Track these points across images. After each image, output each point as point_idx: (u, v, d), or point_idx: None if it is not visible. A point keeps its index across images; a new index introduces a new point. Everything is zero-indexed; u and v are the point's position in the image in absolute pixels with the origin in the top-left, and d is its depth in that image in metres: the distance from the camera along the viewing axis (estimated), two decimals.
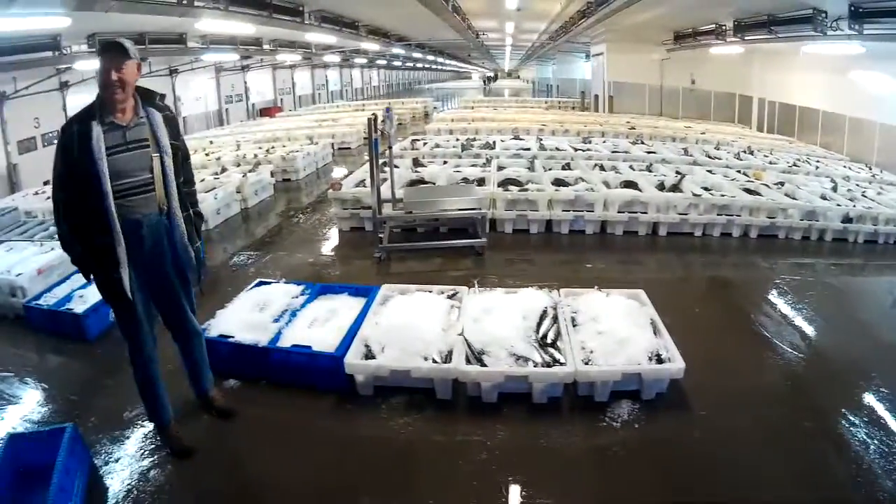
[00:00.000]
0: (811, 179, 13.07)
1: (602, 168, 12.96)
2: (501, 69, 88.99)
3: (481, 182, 11.34)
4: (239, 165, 13.99)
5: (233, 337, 5.38)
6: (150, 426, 4.68)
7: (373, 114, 9.13)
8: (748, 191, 11.12)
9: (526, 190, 10.65)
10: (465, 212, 9.17)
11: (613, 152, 15.30)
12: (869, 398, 5.52)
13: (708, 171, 13.09)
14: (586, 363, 5.26)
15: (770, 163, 14.84)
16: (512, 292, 6.43)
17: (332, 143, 19.11)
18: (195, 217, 4.37)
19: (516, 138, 17.46)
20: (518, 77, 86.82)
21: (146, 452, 4.51)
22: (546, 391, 5.21)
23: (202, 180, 11.74)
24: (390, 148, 10.14)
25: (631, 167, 13.02)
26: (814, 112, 19.83)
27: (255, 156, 15.02)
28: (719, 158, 15.05)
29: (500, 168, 12.53)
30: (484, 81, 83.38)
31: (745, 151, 16.26)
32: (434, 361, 5.12)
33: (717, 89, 25.75)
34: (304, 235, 10.56)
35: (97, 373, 5.73)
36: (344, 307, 6.06)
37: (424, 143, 16.66)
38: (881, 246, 10.70)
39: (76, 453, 4.02)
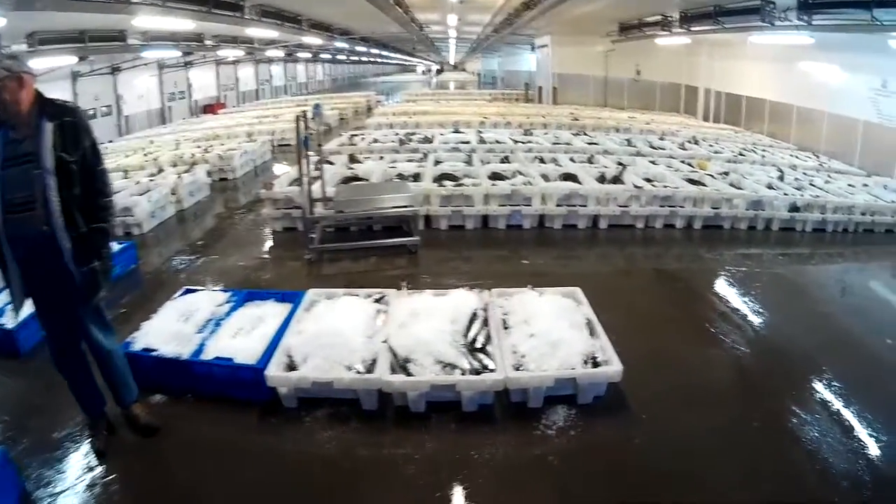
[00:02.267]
0: (757, 169, 13.13)
1: (542, 161, 12.74)
2: (448, 62, 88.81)
3: (417, 178, 11.00)
4: (176, 165, 13.60)
5: (156, 350, 5.19)
6: (84, 447, 4.52)
7: (302, 111, 8.82)
8: (692, 181, 11.01)
9: (461, 185, 10.32)
10: (396, 210, 8.89)
11: (555, 144, 15.17)
12: (820, 393, 5.37)
13: (651, 161, 13.04)
14: (517, 369, 4.97)
15: (715, 152, 14.86)
16: (441, 294, 6.14)
17: (272, 140, 18.76)
18: (94, 234, 4.05)
19: (456, 132, 17.17)
20: (464, 70, 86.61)
21: (79, 475, 4.28)
22: (476, 399, 4.93)
23: (137, 182, 11.40)
24: (320, 146, 9.72)
25: (572, 159, 12.82)
26: (761, 102, 20.06)
27: (193, 155, 14.55)
28: (663, 149, 15.02)
29: (436, 163, 12.24)
30: (425, 73, 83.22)
31: (689, 141, 16.30)
32: (357, 371, 4.88)
33: (662, 80, 25.98)
34: (237, 237, 10.25)
35: (30, 391, 5.44)
36: (270, 314, 5.87)
37: (363, 139, 16.22)
38: (829, 234, 10.74)
39: (6, 478, 3.87)
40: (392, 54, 61.35)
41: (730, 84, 21.77)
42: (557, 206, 9.98)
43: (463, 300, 5.91)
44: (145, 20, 15.88)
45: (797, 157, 15.69)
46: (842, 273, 9.52)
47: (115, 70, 24.91)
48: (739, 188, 10.86)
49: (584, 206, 10.02)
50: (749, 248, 9.83)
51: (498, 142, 15.15)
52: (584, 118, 20.95)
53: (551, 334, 5.24)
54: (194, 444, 4.64)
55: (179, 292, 6.33)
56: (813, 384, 5.51)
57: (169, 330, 5.46)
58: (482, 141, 15.21)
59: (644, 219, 10.20)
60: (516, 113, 22.36)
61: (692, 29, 18.64)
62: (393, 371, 4.85)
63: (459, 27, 36.35)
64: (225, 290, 6.36)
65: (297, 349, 5.10)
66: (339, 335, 5.16)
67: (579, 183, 10.46)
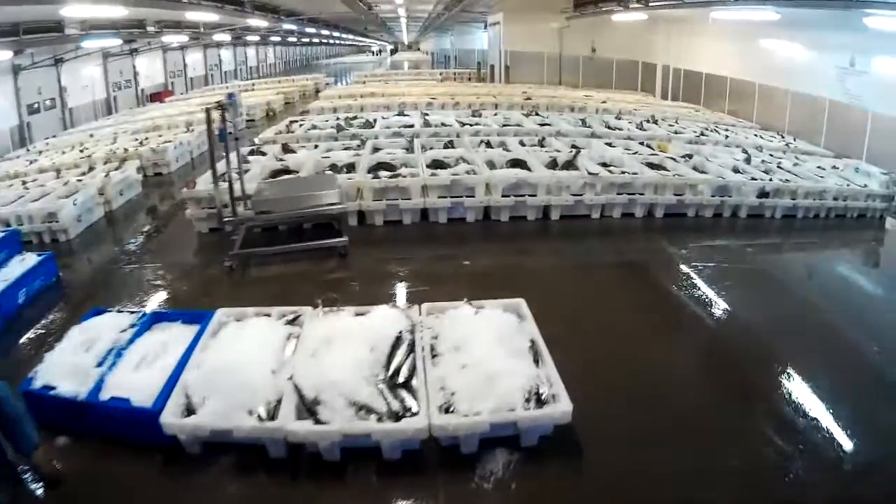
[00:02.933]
0: (721, 150, 12.40)
1: (489, 145, 11.85)
2: (401, 42, 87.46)
3: (351, 168, 10.10)
4: (108, 162, 12.87)
5: (55, 388, 4.70)
6: None
7: (217, 102, 7.78)
8: (652, 165, 10.24)
9: (398, 175, 9.41)
10: (319, 209, 8.06)
11: (504, 126, 14.24)
12: (802, 420, 4.67)
13: (607, 143, 12.17)
14: (447, 410, 4.16)
15: (676, 132, 14.11)
16: (362, 313, 5.30)
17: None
18: None
19: (401, 114, 16.12)
20: (418, 49, 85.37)
21: None
22: (399, 446, 4.15)
23: (66, 183, 10.81)
24: (237, 139, 8.53)
25: (522, 143, 11.97)
26: (721, 79, 19.37)
27: (126, 150, 13.74)
28: (620, 129, 14.19)
29: (375, 150, 11.28)
30: (378, 54, 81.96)
31: (648, 121, 15.47)
32: (259, 417, 4.21)
33: (619, 57, 25.12)
34: (162, 242, 9.53)
35: None
36: (176, 339, 5.27)
37: (301, 125, 15.16)
38: (800, 221, 10.04)
39: None
40: (344, 35, 60.05)
41: (689, 61, 21.10)
42: (504, 196, 9.10)
43: (386, 321, 5.10)
44: (75, 9, 15.39)
45: (762, 137, 14.99)
46: (820, 264, 8.88)
47: (58, 61, 23.86)
48: (703, 172, 10.13)
49: (534, 195, 9.15)
50: (716, 239, 9.09)
51: (443, 124, 14.21)
52: (537, 97, 19.94)
53: (487, 364, 4.40)
54: (95, 497, 4.16)
55: (87, 314, 5.72)
56: (794, 410, 4.81)
57: (68, 363, 4.94)
58: (427, 124, 14.23)
59: (600, 208, 9.38)
60: (466, 93, 21.36)
61: (650, 4, 17.80)
62: (300, 415, 4.16)
63: (409, 5, 35.31)
64: (132, 311, 5.79)
65: (196, 388, 4.41)
66: (240, 372, 4.47)
67: (528, 170, 9.61)
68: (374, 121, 14.96)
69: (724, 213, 9.69)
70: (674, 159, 10.61)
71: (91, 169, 12.30)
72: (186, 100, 26.34)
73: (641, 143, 12.23)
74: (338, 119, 15.89)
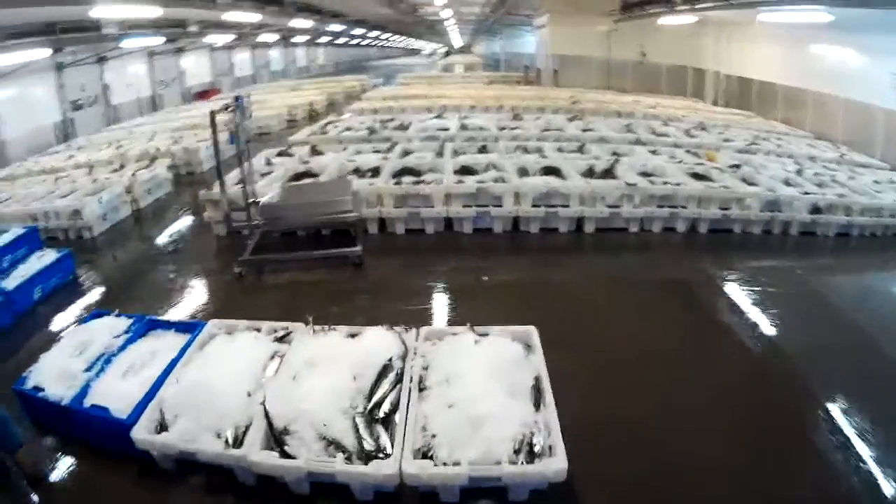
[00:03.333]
0: (772, 160, 11.41)
1: (525, 150, 11.13)
2: (453, 45, 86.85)
3: (376, 172, 9.58)
4: (139, 161, 12.75)
5: (44, 390, 4.69)
6: None
7: (224, 104, 7.57)
8: (697, 176, 9.44)
9: (421, 182, 8.81)
10: (331, 216, 7.59)
11: (544, 131, 13.50)
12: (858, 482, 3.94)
13: (651, 151, 11.40)
14: (426, 454, 3.64)
15: (725, 140, 13.18)
16: (356, 333, 4.84)
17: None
18: None
19: (439, 117, 15.53)
20: (471, 52, 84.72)
21: None
22: (370, 488, 3.70)
23: (94, 181, 10.76)
24: (248, 142, 8.23)
25: (560, 149, 11.23)
26: (773, 86, 18.20)
27: (158, 148, 13.50)
28: (667, 136, 13.32)
29: (404, 154, 10.78)
30: (430, 56, 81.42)
31: (696, 128, 14.59)
32: (227, 442, 3.93)
33: (668, 62, 24.07)
34: (182, 243, 9.22)
35: None
36: (166, 348, 5.13)
37: (336, 127, 14.72)
38: (855, 240, 9.09)
39: None
40: (394, 37, 59.68)
41: (740, 66, 19.88)
42: (534, 206, 8.47)
43: (378, 345, 4.62)
44: (109, 10, 15.28)
45: (815, 147, 13.88)
46: (877, 288, 7.99)
47: (101, 59, 23.93)
48: (753, 184, 9.29)
49: (566, 206, 8.49)
50: (764, 259, 8.29)
51: (481, 128, 13.55)
52: (584, 102, 19.18)
53: (478, 404, 3.81)
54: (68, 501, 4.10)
55: (89, 315, 5.69)
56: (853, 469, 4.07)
57: (60, 366, 4.89)
58: (464, 128, 13.61)
59: (638, 221, 8.66)
60: (512, 96, 20.57)
61: (696, 6, 16.87)
62: (268, 444, 3.86)
63: (454, 7, 34.67)
64: (129, 316, 5.57)
65: (171, 404, 4.22)
66: (215, 392, 4.19)
67: (562, 178, 8.94)
68: (409, 123, 14.41)
69: (773, 230, 8.84)
70: (720, 170, 9.78)
71: (122, 167, 12.20)
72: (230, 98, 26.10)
73: (688, 152, 11.40)
74: (374, 121, 15.39)
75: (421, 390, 4.11)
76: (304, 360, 4.47)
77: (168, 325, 5.52)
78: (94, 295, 7.27)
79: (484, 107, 18.12)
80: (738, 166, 10.15)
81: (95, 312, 5.74)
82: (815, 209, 8.88)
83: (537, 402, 3.95)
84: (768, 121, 17.48)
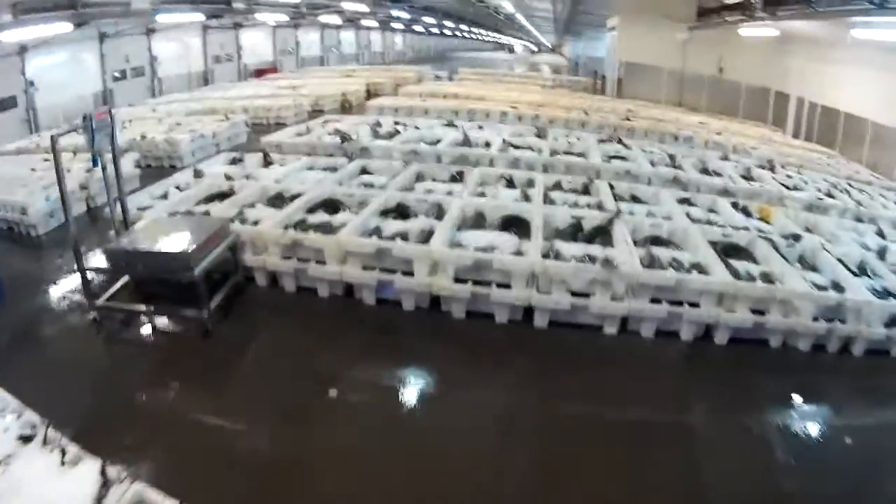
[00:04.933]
0: (847, 228, 7.86)
1: (510, 184, 8.25)
2: (544, 43, 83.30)
3: (294, 198, 7.18)
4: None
5: None
6: None
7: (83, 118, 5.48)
8: (730, 250, 6.35)
9: (308, 228, 6.26)
10: (170, 273, 5.34)
11: (557, 154, 10.42)
12: None
13: (683, 200, 8.17)
14: None
15: (793, 188, 9.69)
16: None
17: (267, 118, 16.04)
18: None
19: (449, 125, 12.65)
20: (561, 53, 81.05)
21: None
22: None
23: (68, 171, 8.54)
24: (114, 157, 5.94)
25: (558, 185, 8.34)
26: (862, 121, 14.45)
27: (143, 136, 11.62)
28: (718, 176, 10.01)
29: (361, 172, 8.60)
30: (511, 52, 78.39)
31: (763, 166, 11.07)
32: None
33: (748, 81, 20.23)
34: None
35: None
36: None
37: (323, 127, 12.24)
38: None
39: None
40: (475, 30, 56.84)
41: (826, 94, 16.00)
42: (458, 281, 5.66)
43: None
44: None
45: None
46: None
47: (149, 31, 23.22)
48: (813, 268, 6.24)
49: (508, 286, 5.57)
50: (811, 394, 5.11)
51: (486, 144, 10.89)
52: (639, 118, 15.92)
53: None
54: None
55: None
56: None
57: None
58: (464, 142, 10.80)
59: (618, 320, 5.62)
60: (557, 105, 17.40)
61: (778, 14, 13.35)
62: None
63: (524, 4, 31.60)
64: None
65: None
66: None
67: (524, 235, 6.14)
68: (398, 131, 11.74)
69: (828, 346, 5.64)
70: (769, 241, 6.56)
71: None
72: (279, 80, 24.16)
73: (735, 204, 8.10)
74: (396, 122, 12.88)
75: None
76: None
77: None
78: None
79: (517, 115, 15.15)
80: (797, 237, 6.87)
81: None
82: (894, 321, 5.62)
83: None
84: (851, 162, 13.80)
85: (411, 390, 4.87)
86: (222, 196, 7.59)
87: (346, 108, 18.80)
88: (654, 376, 5.21)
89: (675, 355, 5.49)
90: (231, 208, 6.93)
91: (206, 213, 6.74)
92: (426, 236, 6.00)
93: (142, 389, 4.76)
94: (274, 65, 32.04)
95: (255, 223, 6.46)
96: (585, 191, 8.09)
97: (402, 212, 6.81)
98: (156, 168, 10.96)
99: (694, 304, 5.49)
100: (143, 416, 4.41)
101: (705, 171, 10.34)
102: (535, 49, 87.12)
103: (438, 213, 6.69)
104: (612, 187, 8.17)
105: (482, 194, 7.56)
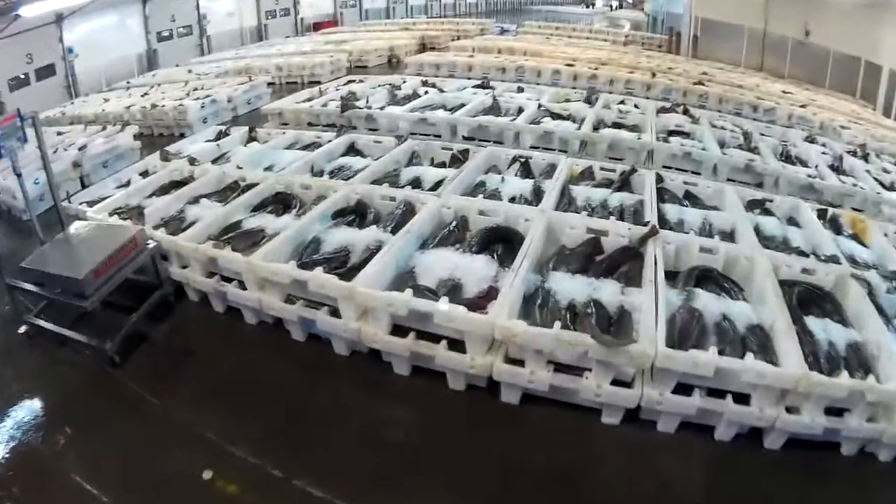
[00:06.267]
0: None
1: (526, 169, 6.36)
2: None
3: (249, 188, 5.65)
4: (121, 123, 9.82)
5: None
6: None
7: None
8: (809, 299, 4.29)
9: (236, 237, 4.82)
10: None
11: (601, 129, 8.10)
12: None
13: (755, 203, 5.93)
14: None
15: (889, 187, 7.33)
16: None
17: (302, 77, 14.24)
18: None
19: (483, 86, 10.57)
20: (642, 9, 76.43)
21: None
22: None
23: (54, 150, 7.84)
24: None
25: (590, 172, 6.28)
26: None
27: (153, 105, 10.39)
28: (802, 165, 7.72)
29: (349, 149, 6.88)
30: (590, 6, 74.52)
31: (853, 152, 8.67)
32: None
33: (836, 48, 17.10)
34: None
35: None
36: None
37: (337, 90, 10.45)
38: None
39: None
40: None
41: None
42: (397, 331, 3.89)
43: None
44: None
45: None
46: None
47: None
48: None
49: (462, 346, 3.78)
50: None
51: (520, 109, 8.81)
52: (714, 83, 13.33)
53: None
54: None
55: None
56: None
57: None
58: (492, 108, 8.78)
59: (622, 411, 3.68)
60: (622, 64, 14.89)
61: None
62: None
63: None
64: None
65: None
66: None
67: (504, 264, 4.30)
68: (419, 94, 9.73)
69: None
70: (864, 279, 4.38)
71: (104, 127, 9.28)
72: (330, 34, 22.51)
73: (822, 214, 5.80)
74: (425, 82, 10.93)
75: None
76: None
77: None
78: None
79: (572, 74, 12.86)
80: None
81: None
82: None
83: None
84: None
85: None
86: (181, 185, 6.10)
87: (392, 63, 16.82)
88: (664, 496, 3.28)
89: (706, 461, 3.51)
90: (176, 203, 5.54)
91: (150, 209, 5.37)
92: (371, 255, 4.14)
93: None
94: (334, 18, 29.95)
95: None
96: (624, 184, 5.97)
97: (362, 213, 4.94)
98: (167, 137, 9.61)
99: (742, 395, 3.47)
100: None
101: (787, 156, 8.06)
102: (616, 3, 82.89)
103: (405, 216, 4.78)
104: (660, 179, 6.07)
105: (480, 185, 5.62)
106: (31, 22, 15.34)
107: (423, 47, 19.01)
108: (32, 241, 4.91)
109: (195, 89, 11.56)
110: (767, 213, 5.74)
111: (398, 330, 3.90)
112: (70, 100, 15.44)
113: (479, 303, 3.81)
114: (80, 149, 7.95)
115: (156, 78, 15.37)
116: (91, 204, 5.81)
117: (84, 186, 7.45)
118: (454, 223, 4.82)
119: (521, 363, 3.61)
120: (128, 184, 6.36)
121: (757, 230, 5.09)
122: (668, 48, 23.65)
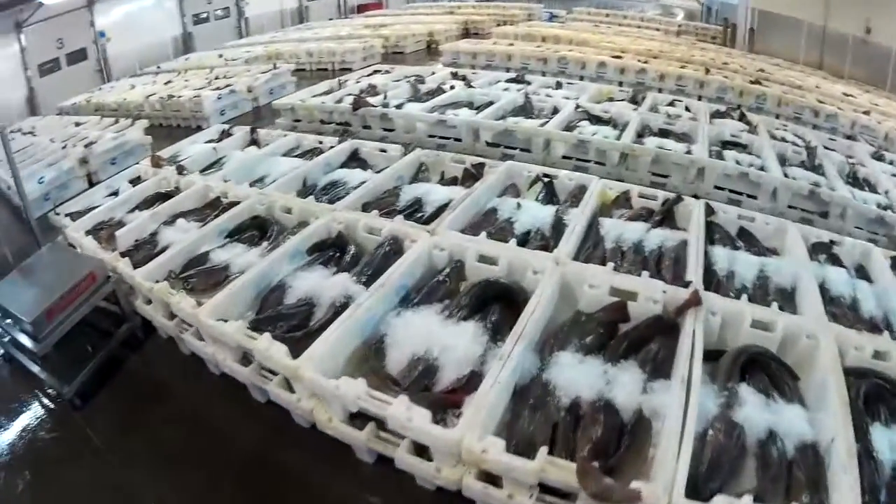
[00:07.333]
0: None
1: (549, 191, 5.25)
2: None
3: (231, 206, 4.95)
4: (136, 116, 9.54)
5: None
6: None
7: None
8: (880, 390, 3.22)
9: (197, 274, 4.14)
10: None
11: (643, 133, 7.05)
12: None
13: (820, 247, 4.75)
14: None
15: None
16: None
17: (333, 64, 13.28)
18: None
19: (517, 80, 9.48)
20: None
21: None
22: None
23: (63, 146, 7.75)
24: None
25: (626, 198, 5.19)
26: None
27: (170, 96, 9.87)
28: (872, 190, 6.52)
29: (351, 158, 5.98)
30: None
31: None
32: None
33: None
34: None
35: None
36: None
37: (357, 83, 9.34)
38: None
39: None
40: None
41: None
42: (356, 417, 3.08)
43: None
44: None
45: None
46: None
47: None
48: None
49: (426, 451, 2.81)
50: None
51: (554, 111, 7.70)
52: (772, 82, 11.90)
53: None
54: None
55: None
56: None
57: None
58: (524, 109, 7.78)
59: None
60: (672, 58, 13.47)
61: None
62: None
63: None
64: None
65: None
66: None
67: (506, 325, 3.29)
68: (444, 89, 8.58)
69: None
70: None
71: (116, 121, 8.81)
72: (377, 17, 21.34)
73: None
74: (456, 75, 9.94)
75: None
76: None
77: None
78: None
79: (619, 68, 11.70)
80: None
81: None
82: None
83: None
84: None
85: None
86: (167, 197, 5.38)
87: (431, 49, 15.79)
88: None
89: None
90: (151, 224, 4.80)
91: (123, 230, 4.77)
92: (335, 315, 3.22)
93: None
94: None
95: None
96: (666, 216, 4.88)
97: (342, 248, 4.01)
98: (184, 129, 9.10)
99: None
100: None
101: (854, 177, 6.86)
102: None
103: (387, 259, 3.84)
104: (710, 211, 4.95)
105: (491, 212, 4.63)
106: (61, 7, 15.00)
107: (465, 33, 17.90)
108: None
109: (217, 77, 10.87)
110: (834, 259, 4.61)
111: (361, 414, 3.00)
112: (101, 84, 15.06)
113: (453, 398, 2.88)
114: (86, 145, 7.48)
115: (187, 63, 14.74)
116: (76, 216, 5.22)
117: (92, 185, 6.99)
118: (446, 271, 3.85)
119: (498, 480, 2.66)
120: (117, 193, 5.75)
121: (822, 290, 3.98)
122: (722, 40, 22.08)
